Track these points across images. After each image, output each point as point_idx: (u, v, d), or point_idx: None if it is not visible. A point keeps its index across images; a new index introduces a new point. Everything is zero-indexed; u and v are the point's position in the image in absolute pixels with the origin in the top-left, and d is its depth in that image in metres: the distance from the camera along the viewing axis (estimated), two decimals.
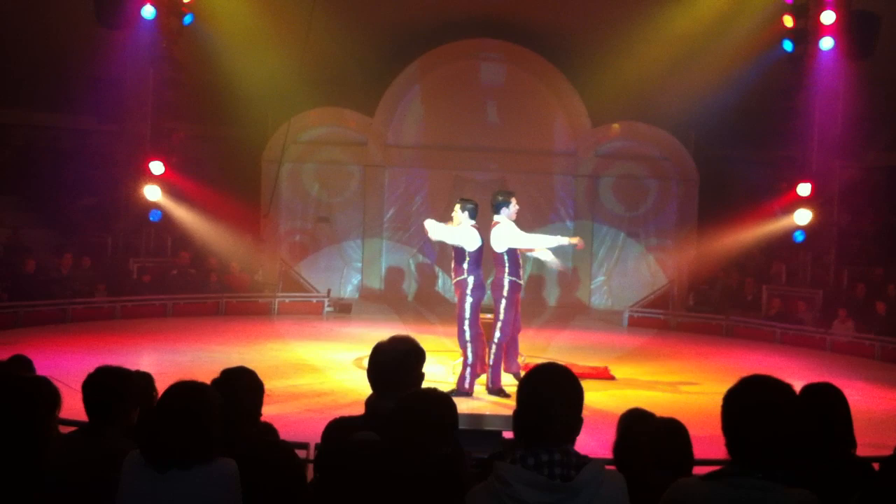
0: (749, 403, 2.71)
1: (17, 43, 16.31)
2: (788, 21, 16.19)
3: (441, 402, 3.35)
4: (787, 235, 16.41)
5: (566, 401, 2.84)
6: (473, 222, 9.91)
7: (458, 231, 9.80)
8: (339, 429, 3.74)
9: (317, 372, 11.25)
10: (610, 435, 4.77)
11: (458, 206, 10.06)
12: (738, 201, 17.60)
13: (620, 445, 4.10)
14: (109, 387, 4.05)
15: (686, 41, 16.56)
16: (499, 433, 5.95)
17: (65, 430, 4.36)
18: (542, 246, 10.20)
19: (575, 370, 11.35)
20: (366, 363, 4.01)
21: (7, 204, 16.96)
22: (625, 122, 19.34)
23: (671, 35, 16.73)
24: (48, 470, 3.77)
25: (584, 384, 2.98)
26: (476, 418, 6.82)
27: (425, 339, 4.14)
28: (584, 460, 2.74)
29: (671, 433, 4.07)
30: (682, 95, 17.29)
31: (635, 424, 4.19)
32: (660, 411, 4.34)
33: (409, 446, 3.21)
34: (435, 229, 9.97)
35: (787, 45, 16.27)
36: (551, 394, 2.83)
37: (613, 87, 17.49)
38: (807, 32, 16.07)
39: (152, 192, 16.22)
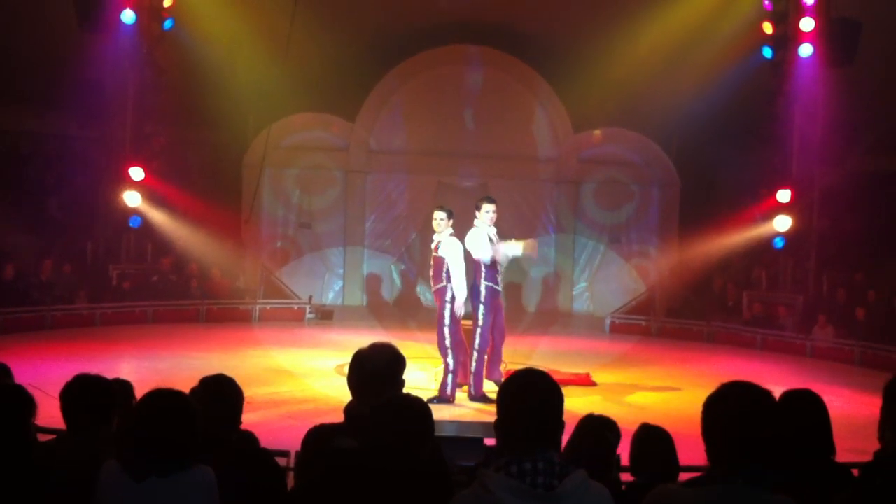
0: (728, 409, 2.71)
1: None
2: (768, 28, 16.30)
3: (415, 407, 3.34)
4: (768, 241, 16.50)
5: (546, 406, 2.83)
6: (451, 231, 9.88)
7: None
8: (319, 436, 3.72)
9: (298, 379, 11.22)
10: None
11: (445, 214, 10.03)
12: (719, 206, 17.68)
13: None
14: (87, 395, 4.03)
15: (668, 47, 16.63)
16: (481, 440, 5.95)
17: (43, 437, 4.31)
18: (486, 258, 10.03)
19: (556, 376, 11.35)
20: (346, 370, 3.99)
21: None
22: (607, 128, 19.39)
23: (653, 41, 16.79)
24: (25, 478, 3.74)
25: (566, 391, 2.98)
26: (459, 426, 6.82)
27: (406, 346, 4.13)
28: (567, 469, 2.74)
29: (655, 439, 4.09)
30: (664, 101, 17.36)
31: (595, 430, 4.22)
32: (642, 417, 4.36)
33: (386, 453, 3.19)
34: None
35: (767, 52, 16.37)
36: (531, 399, 2.82)
37: (596, 93, 17.55)
38: (786, 39, 16.17)
39: (132, 198, 16.13)
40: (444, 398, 9.65)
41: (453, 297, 9.69)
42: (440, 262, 9.84)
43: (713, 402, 2.74)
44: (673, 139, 19.21)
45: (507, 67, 19.12)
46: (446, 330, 9.71)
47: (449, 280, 9.72)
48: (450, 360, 9.74)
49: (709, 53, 16.20)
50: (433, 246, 10.13)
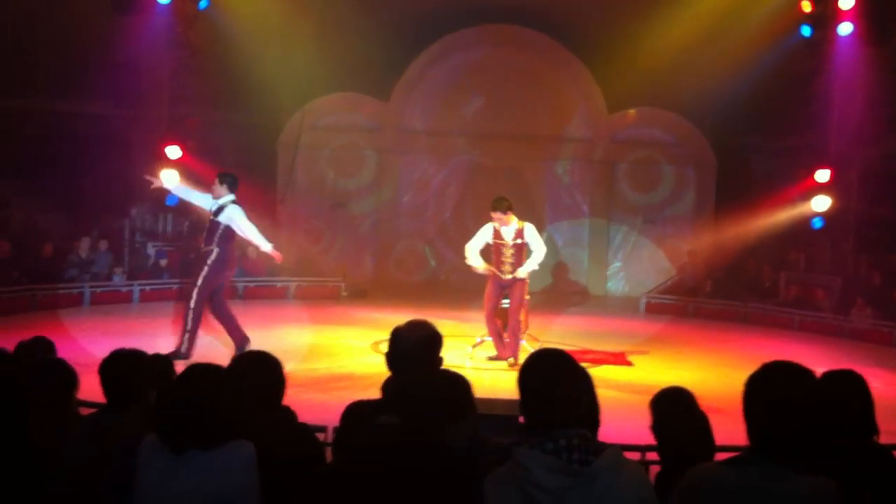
0: (771, 390, 2.68)
1: (35, 30, 16.34)
2: (807, 6, 16.02)
3: (457, 383, 3.35)
4: (805, 222, 16.29)
5: (565, 382, 2.84)
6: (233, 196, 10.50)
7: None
8: (359, 412, 3.75)
9: (333, 356, 11.29)
10: (628, 422, 4.77)
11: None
12: (755, 187, 17.50)
13: (657, 428, 4.08)
14: (126, 369, 4.08)
15: (703, 26, 16.41)
16: (515, 418, 5.94)
17: (84, 411, 4.38)
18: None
19: (591, 356, 11.32)
20: (382, 347, 4.02)
21: (25, 189, 17.04)
22: (641, 108, 19.25)
23: (688, 20, 16.58)
24: (67, 450, 3.80)
25: (601, 370, 2.98)
26: (491, 403, 6.82)
27: (441, 324, 4.13)
28: (602, 446, 2.74)
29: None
30: (699, 81, 17.15)
31: (670, 405, 4.17)
32: None
33: (428, 429, 3.21)
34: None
35: (805, 30, 16.10)
36: (549, 377, 2.85)
37: (630, 73, 17.35)
38: (825, 17, 15.89)
39: (169, 177, 16.22)
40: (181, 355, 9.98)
41: (214, 261, 10.33)
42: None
43: (755, 382, 2.72)
44: (708, 119, 19.02)
45: (541, 48, 19.01)
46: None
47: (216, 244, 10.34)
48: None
49: (745, 32, 15.98)
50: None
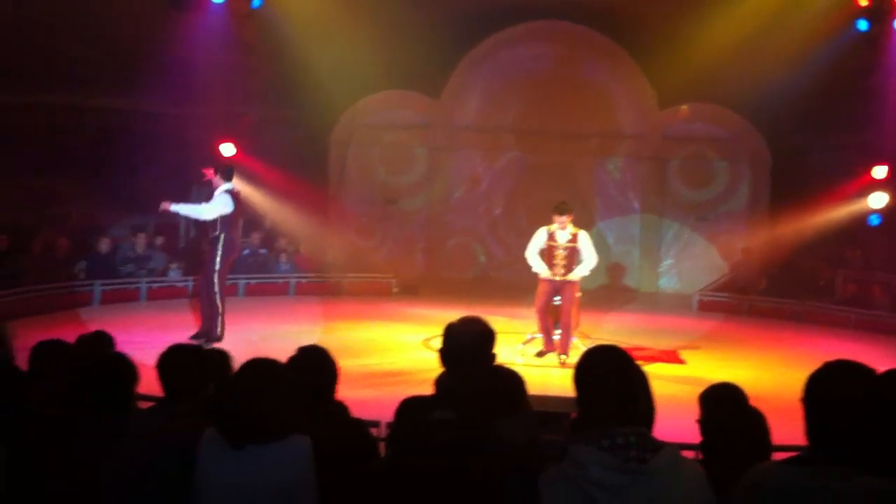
0: (833, 388, 2.64)
1: (92, 29, 16.62)
2: (863, 0, 15.74)
3: (510, 379, 3.37)
4: (862, 219, 16.01)
5: (621, 378, 2.84)
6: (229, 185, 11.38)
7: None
8: (412, 407, 3.77)
9: (385, 352, 11.35)
10: (682, 420, 4.74)
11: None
12: (810, 184, 17.19)
13: (704, 422, 4.05)
14: (184, 364, 4.14)
15: (758, 21, 16.18)
16: (567, 415, 5.93)
17: (143, 405, 4.45)
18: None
19: (643, 353, 11.27)
20: (434, 344, 4.05)
21: (84, 186, 17.35)
22: (693, 104, 19.03)
23: (742, 15, 16.35)
24: (127, 444, 3.87)
25: (653, 368, 2.97)
26: (543, 400, 6.82)
27: (491, 321, 4.14)
28: (660, 445, 2.73)
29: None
30: (752, 76, 16.92)
31: (719, 400, 4.14)
32: None
33: (482, 424, 3.22)
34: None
35: (862, 25, 15.79)
36: (605, 373, 2.85)
37: (681, 69, 17.13)
38: (882, 11, 15.57)
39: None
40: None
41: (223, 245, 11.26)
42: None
43: (817, 380, 2.68)
44: (762, 115, 18.76)
45: (592, 44, 18.89)
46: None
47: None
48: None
49: (801, 27, 15.71)
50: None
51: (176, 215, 12.19)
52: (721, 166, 19.25)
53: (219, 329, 11.16)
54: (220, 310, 11.16)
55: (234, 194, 11.44)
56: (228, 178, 11.52)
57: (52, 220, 15.89)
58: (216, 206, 11.22)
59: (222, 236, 11.25)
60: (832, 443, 2.62)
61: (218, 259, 11.19)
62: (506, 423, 3.24)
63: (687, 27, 16.48)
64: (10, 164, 17.02)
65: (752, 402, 4.36)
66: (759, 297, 16.82)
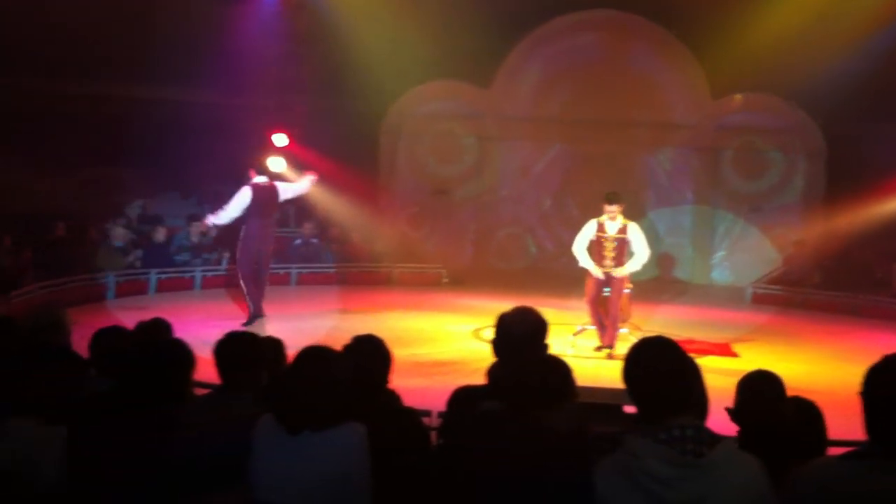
0: (894, 382, 2.61)
1: (149, 22, 16.87)
2: None
3: (556, 368, 3.36)
4: None
5: (675, 370, 2.82)
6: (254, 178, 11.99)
7: None
8: (464, 397, 3.80)
9: (435, 341, 11.39)
10: None
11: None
12: (867, 175, 16.88)
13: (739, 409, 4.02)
14: (240, 351, 4.20)
15: (814, 8, 15.90)
16: (618, 407, 5.91)
17: (199, 392, 4.53)
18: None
19: (695, 346, 11.16)
20: (484, 334, 4.08)
21: (140, 176, 17.66)
22: (748, 94, 18.76)
23: (797, 1, 16.10)
24: (183, 430, 3.93)
25: (705, 361, 2.95)
26: (593, 391, 6.80)
27: (542, 312, 4.14)
28: (717, 438, 2.71)
29: (804, 413, 3.99)
30: (809, 65, 16.62)
31: (758, 389, 4.11)
32: (788, 391, 4.25)
33: (530, 414, 3.22)
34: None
35: None
36: (658, 364, 2.83)
37: (736, 57, 16.88)
38: None
39: (276, 164, 16.60)
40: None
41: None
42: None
43: (877, 374, 2.64)
44: (819, 105, 18.43)
45: (643, 32, 18.71)
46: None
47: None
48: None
49: (858, 15, 15.43)
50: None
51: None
52: (775, 157, 18.96)
53: (251, 308, 11.97)
54: (244, 291, 11.95)
55: (253, 187, 11.99)
56: (261, 173, 12.26)
57: (110, 208, 16.17)
58: (236, 204, 11.97)
59: (243, 227, 12.05)
60: (891, 437, 2.58)
61: (238, 248, 12.08)
62: (552, 412, 3.23)
63: (741, 15, 16.26)
64: (71, 154, 17.41)
65: (808, 396, 4.31)
66: (813, 290, 16.56)
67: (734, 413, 4.07)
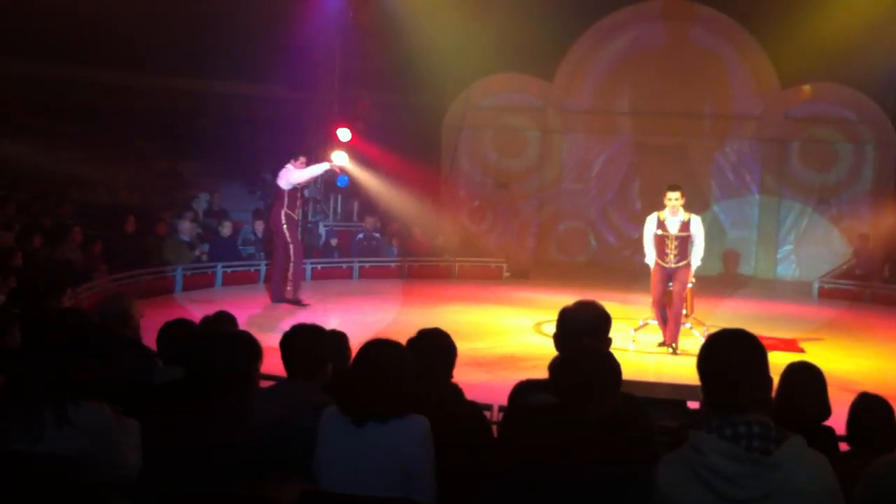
0: None
1: (214, 17, 17.11)
2: None
3: (598, 360, 3.34)
4: None
5: (749, 364, 2.77)
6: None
7: None
8: (526, 391, 3.81)
9: (496, 335, 11.38)
10: None
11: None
12: None
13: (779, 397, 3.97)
14: (307, 342, 4.26)
15: None
16: (680, 402, 5.87)
17: (264, 384, 4.61)
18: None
19: (761, 341, 10.92)
20: (545, 329, 4.07)
21: (206, 170, 17.94)
22: (817, 84, 18.37)
23: None
24: (250, 422, 4.01)
25: (771, 357, 2.90)
26: (654, 387, 6.75)
27: (604, 305, 4.13)
28: (784, 434, 2.67)
29: (873, 409, 3.92)
30: (880, 56, 16.25)
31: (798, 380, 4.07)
32: (858, 387, 4.19)
33: (577, 407, 3.20)
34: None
35: None
36: (732, 358, 2.79)
37: (804, 46, 16.54)
38: None
39: (340, 159, 16.72)
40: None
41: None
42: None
43: None
44: (890, 96, 17.99)
45: (708, 21, 18.46)
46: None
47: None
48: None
49: None
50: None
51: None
52: (845, 148, 18.53)
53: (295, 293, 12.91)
54: (298, 276, 13.13)
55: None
56: (303, 159, 13.35)
57: (177, 202, 16.45)
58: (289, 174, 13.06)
59: (284, 214, 13.13)
60: None
61: (295, 235, 13.25)
62: (594, 405, 3.21)
63: (809, 3, 15.95)
64: (140, 148, 17.76)
65: (877, 392, 4.24)
66: (882, 285, 16.19)
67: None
